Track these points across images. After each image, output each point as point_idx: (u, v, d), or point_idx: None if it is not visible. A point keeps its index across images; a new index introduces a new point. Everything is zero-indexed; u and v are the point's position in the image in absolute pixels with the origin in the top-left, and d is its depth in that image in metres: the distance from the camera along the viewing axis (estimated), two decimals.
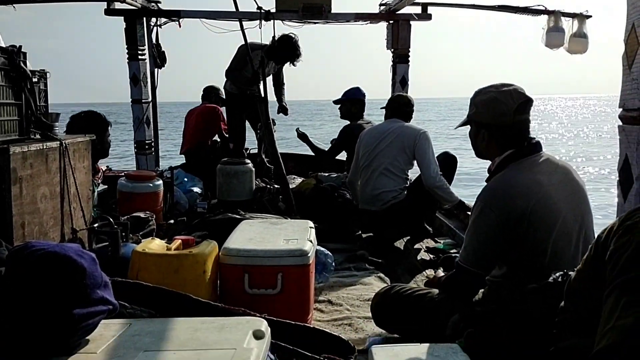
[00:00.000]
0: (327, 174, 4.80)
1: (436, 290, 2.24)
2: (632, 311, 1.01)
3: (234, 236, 2.59)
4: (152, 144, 6.03)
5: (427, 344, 1.60)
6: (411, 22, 5.65)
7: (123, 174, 4.02)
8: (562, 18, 5.40)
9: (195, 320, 1.65)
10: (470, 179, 9.75)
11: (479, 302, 2.07)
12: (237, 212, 3.77)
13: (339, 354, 1.95)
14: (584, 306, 1.25)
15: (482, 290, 2.11)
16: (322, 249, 3.10)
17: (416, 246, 3.99)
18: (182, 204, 4.39)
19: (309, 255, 2.40)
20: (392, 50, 5.84)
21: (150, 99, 5.92)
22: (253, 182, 4.53)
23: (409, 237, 4.11)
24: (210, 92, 6.10)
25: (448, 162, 4.12)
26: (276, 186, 4.57)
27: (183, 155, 5.95)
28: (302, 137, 5.46)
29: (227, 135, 5.72)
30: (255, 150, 5.68)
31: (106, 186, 4.21)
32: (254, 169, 4.58)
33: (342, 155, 5.15)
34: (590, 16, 5.34)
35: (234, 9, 4.87)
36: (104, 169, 4.31)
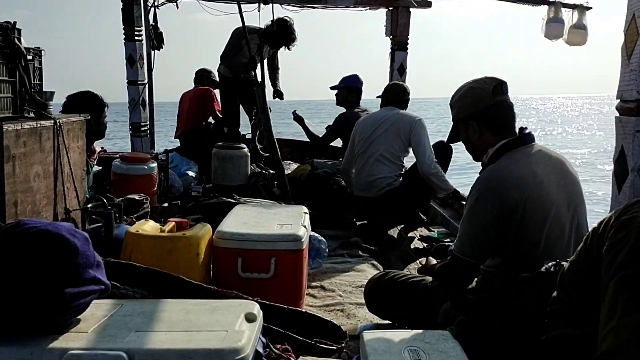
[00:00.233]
0: (323, 161, 4.80)
1: (430, 278, 2.24)
2: (633, 310, 1.01)
3: (228, 220, 2.58)
4: (148, 126, 6.00)
5: (419, 330, 1.61)
6: (411, 15, 5.63)
7: (118, 155, 4.00)
8: (562, 9, 5.39)
9: (187, 302, 1.66)
10: (465, 170, 9.72)
11: (472, 291, 2.07)
12: (232, 197, 3.76)
13: (331, 338, 1.95)
14: (577, 297, 1.25)
15: (476, 279, 2.11)
16: (316, 234, 3.10)
17: (410, 234, 4.00)
18: (177, 187, 4.37)
19: (302, 240, 2.40)
20: (391, 37, 5.82)
21: (146, 81, 5.88)
22: (248, 166, 4.52)
23: (403, 225, 4.12)
24: (202, 75, 6.06)
25: (443, 152, 4.11)
26: (271, 171, 4.56)
27: (178, 139, 5.93)
28: (298, 119, 5.43)
29: (220, 117, 5.68)
30: (250, 136, 5.66)
31: (100, 167, 4.19)
32: (249, 154, 4.56)
33: (337, 142, 5.12)
34: (591, 7, 5.33)
35: None
36: (98, 150, 4.28)
